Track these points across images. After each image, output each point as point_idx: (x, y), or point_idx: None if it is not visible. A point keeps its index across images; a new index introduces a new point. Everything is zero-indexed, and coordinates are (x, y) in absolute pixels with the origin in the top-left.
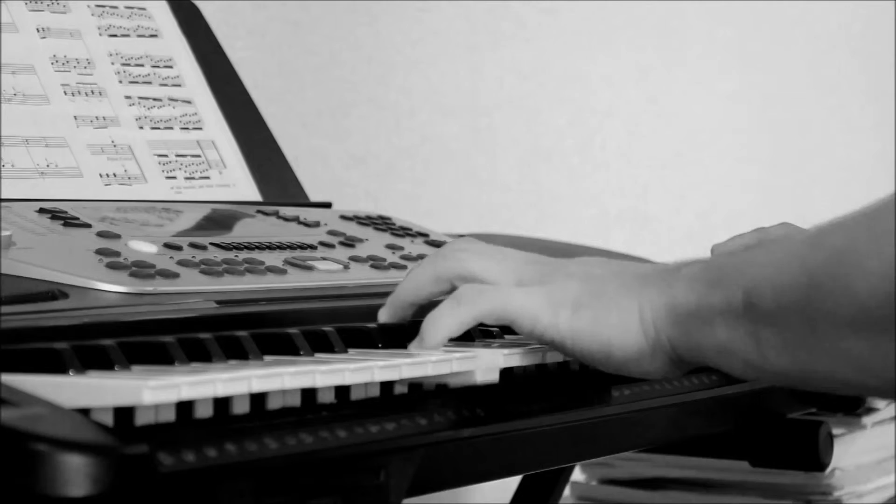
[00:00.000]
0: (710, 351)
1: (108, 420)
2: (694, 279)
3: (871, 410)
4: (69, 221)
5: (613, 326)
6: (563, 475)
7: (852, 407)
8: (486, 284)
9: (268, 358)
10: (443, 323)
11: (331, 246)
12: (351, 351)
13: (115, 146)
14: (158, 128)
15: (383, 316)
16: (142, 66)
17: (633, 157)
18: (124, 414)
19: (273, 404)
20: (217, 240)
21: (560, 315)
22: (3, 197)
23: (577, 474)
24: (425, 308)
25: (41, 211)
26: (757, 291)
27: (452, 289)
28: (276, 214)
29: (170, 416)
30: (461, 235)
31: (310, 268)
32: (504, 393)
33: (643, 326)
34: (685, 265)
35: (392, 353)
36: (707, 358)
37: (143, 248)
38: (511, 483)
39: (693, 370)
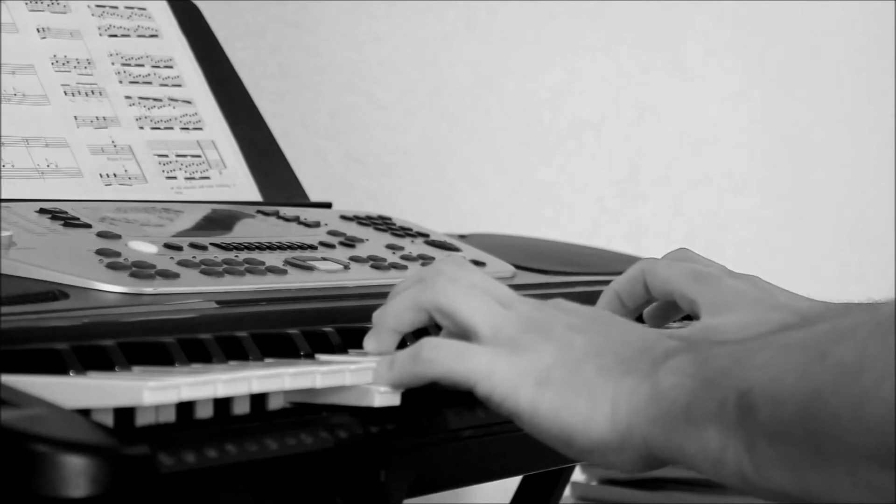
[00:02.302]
0: (697, 456)
1: (109, 421)
2: (683, 373)
3: None
4: (69, 222)
5: (579, 413)
6: (564, 475)
7: None
8: (450, 341)
9: (268, 359)
10: (398, 377)
11: (331, 246)
12: (351, 351)
13: (115, 146)
14: (158, 128)
15: (371, 346)
16: (142, 66)
17: (633, 157)
18: (125, 414)
19: (273, 405)
20: (217, 240)
21: (522, 388)
22: (3, 197)
23: (578, 474)
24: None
25: (41, 211)
26: (753, 397)
27: (432, 319)
28: (277, 214)
29: (170, 416)
30: (462, 236)
31: (310, 268)
32: None
33: (615, 418)
34: (677, 350)
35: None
36: (691, 463)
37: (144, 248)
38: (511, 483)
39: None
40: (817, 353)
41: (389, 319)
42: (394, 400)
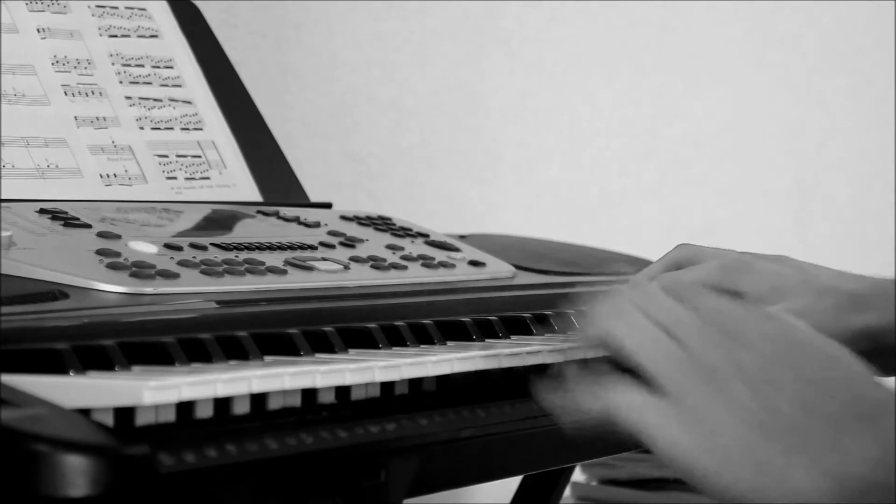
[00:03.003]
0: None
1: (109, 420)
2: (866, 459)
3: None
4: (69, 222)
5: (746, 483)
6: (564, 475)
7: None
8: (633, 393)
9: (268, 358)
10: (580, 402)
11: (331, 246)
12: (351, 351)
13: (115, 146)
14: (159, 128)
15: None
16: (142, 66)
17: (633, 156)
18: (125, 414)
19: (273, 404)
20: (217, 240)
21: (688, 451)
22: (3, 197)
23: (578, 474)
24: None
25: (41, 211)
26: None
27: None
28: (277, 215)
29: (170, 416)
30: (462, 236)
31: (310, 268)
32: (504, 392)
33: (784, 491)
34: (857, 418)
35: (392, 353)
36: None
37: (144, 248)
38: (511, 483)
39: None
40: None
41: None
42: None
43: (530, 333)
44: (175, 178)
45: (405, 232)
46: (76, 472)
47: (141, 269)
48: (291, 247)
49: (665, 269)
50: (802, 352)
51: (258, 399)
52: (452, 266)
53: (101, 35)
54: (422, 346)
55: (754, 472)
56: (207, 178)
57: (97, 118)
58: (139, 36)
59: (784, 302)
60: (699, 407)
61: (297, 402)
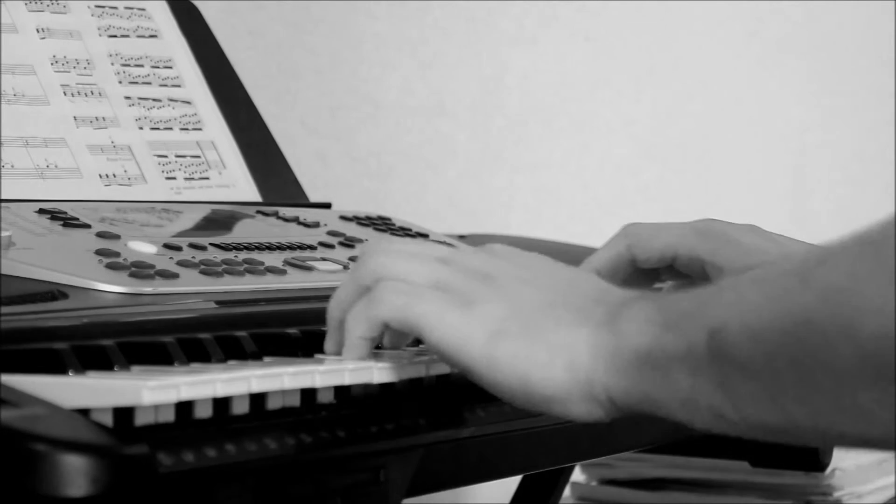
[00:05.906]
0: (665, 401)
1: (108, 420)
2: (646, 320)
3: None
4: (69, 222)
5: (537, 362)
6: (563, 475)
7: None
8: (403, 283)
9: (267, 358)
10: (355, 325)
11: (330, 246)
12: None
13: (114, 147)
14: (158, 128)
15: (330, 347)
16: (141, 66)
17: (633, 157)
18: (124, 414)
19: (272, 404)
20: (217, 240)
21: (475, 338)
22: (3, 197)
23: (577, 474)
24: None
25: (41, 211)
26: (726, 334)
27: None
28: (276, 215)
29: (169, 416)
30: (461, 236)
31: (309, 268)
32: None
33: (573, 368)
34: (634, 300)
35: (392, 354)
36: (660, 409)
37: (143, 248)
38: (511, 483)
39: None
40: (803, 279)
41: (335, 312)
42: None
43: None
44: (174, 178)
45: (405, 232)
46: (75, 471)
47: (140, 269)
48: (291, 247)
49: (614, 255)
50: (554, 265)
51: (257, 399)
52: None
53: (100, 35)
54: (421, 345)
55: (545, 346)
56: (207, 179)
57: (96, 118)
58: (138, 36)
59: None
60: (483, 301)
61: (296, 401)
